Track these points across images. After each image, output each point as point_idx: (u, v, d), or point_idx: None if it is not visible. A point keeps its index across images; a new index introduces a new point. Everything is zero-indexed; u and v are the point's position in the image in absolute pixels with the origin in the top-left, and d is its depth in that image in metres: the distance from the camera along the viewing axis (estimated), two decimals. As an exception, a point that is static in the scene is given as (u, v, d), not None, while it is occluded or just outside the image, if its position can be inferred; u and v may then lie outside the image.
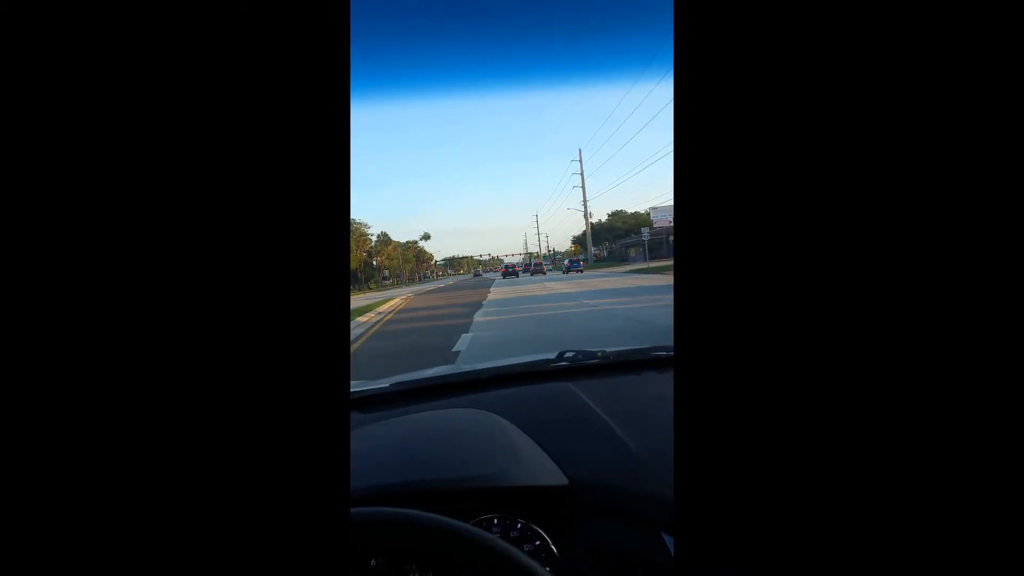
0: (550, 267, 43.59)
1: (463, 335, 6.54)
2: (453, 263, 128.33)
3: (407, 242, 74.90)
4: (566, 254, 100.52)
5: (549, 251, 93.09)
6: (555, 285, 17.15)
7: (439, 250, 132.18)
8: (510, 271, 33.78)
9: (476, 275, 70.95)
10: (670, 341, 0.41)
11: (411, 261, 72.35)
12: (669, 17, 0.28)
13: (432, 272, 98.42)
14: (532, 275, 32.10)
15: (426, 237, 76.93)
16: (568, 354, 1.04)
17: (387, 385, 0.98)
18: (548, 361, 1.04)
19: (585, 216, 44.36)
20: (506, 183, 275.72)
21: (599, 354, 1.04)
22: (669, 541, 0.55)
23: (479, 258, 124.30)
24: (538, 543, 0.60)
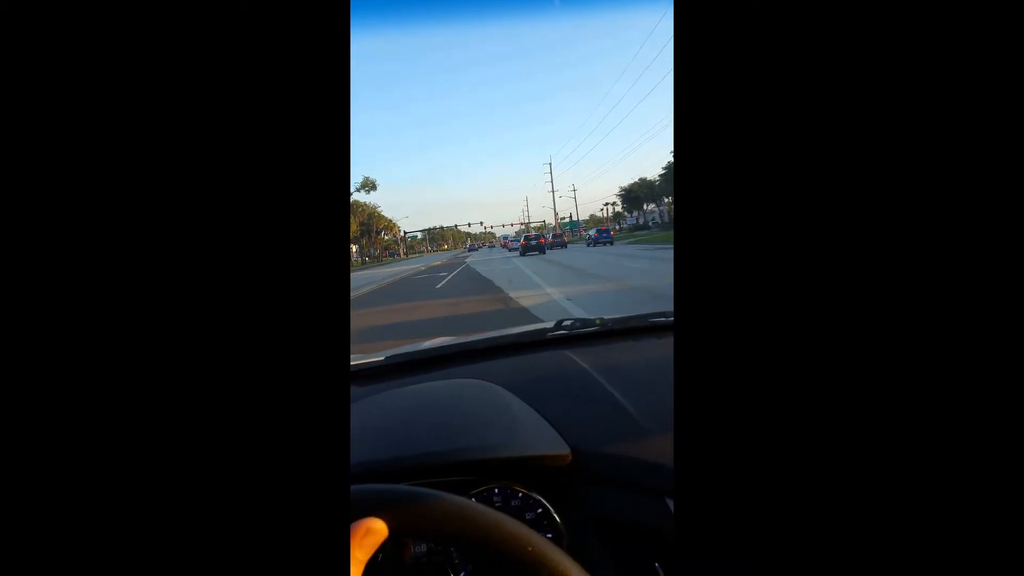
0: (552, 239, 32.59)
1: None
2: (434, 237, 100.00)
3: (338, 196, 44.40)
4: (591, 223, 73.49)
5: (564, 219, 64.73)
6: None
7: (407, 217, 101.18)
8: (532, 243, 25.58)
9: (471, 250, 63.13)
10: None
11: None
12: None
13: (400, 248, 68.17)
14: (551, 248, 28.27)
15: (369, 186, 42.57)
16: (566, 322, 1.05)
17: (382, 358, 0.98)
18: (546, 330, 1.04)
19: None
20: (499, 148, 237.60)
21: (597, 321, 1.05)
22: (672, 505, 0.53)
23: (467, 230, 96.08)
24: (540, 511, 0.60)
